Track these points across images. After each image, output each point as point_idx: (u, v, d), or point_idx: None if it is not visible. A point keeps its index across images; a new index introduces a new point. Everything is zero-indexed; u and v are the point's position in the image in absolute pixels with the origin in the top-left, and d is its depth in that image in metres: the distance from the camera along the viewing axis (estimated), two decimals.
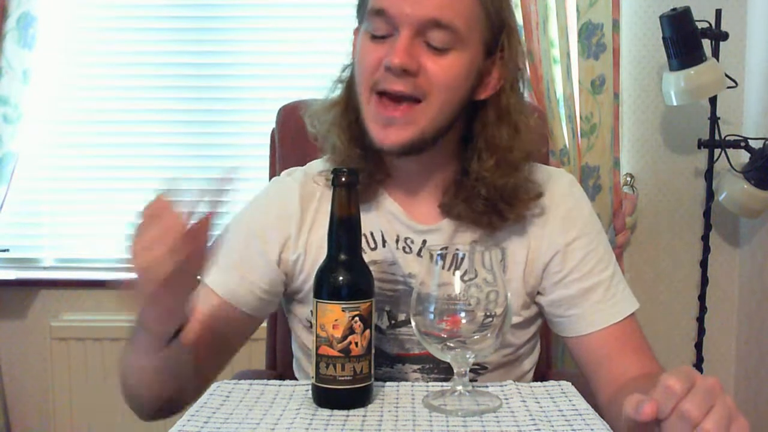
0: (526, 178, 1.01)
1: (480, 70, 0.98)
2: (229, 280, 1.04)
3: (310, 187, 1.07)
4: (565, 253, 1.02)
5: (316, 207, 1.06)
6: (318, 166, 1.10)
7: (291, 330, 1.15)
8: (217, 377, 1.04)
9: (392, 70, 0.92)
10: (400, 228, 1.03)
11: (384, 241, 1.03)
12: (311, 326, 1.06)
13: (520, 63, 1.02)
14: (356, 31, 1.03)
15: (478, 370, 1.05)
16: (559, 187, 1.05)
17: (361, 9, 1.01)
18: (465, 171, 1.01)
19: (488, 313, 0.81)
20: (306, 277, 1.05)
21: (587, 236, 1.03)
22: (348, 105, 1.03)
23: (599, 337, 1.00)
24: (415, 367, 1.04)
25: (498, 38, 0.99)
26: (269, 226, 1.05)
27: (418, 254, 1.03)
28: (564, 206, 1.04)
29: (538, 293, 1.05)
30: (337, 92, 1.06)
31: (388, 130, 0.95)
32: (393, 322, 1.04)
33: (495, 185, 0.98)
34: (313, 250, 1.04)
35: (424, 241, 1.03)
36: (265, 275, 1.05)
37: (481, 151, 0.99)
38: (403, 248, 1.03)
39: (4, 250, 2.25)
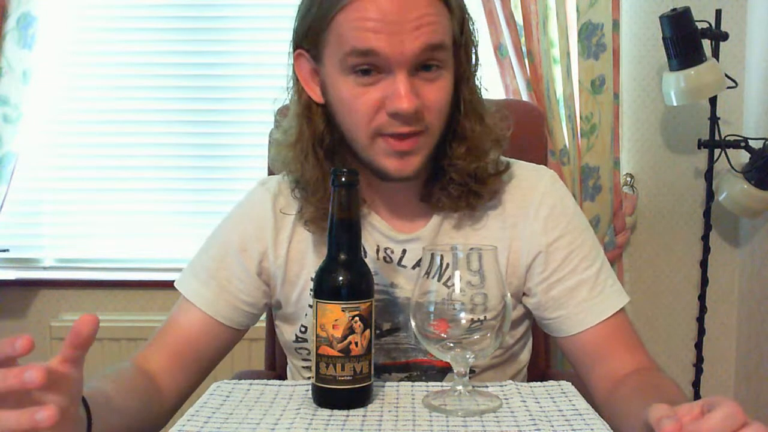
0: (493, 159, 1.01)
1: (455, 71, 0.97)
2: (208, 292, 1.03)
3: (286, 198, 1.05)
4: (547, 253, 1.01)
5: (294, 223, 1.04)
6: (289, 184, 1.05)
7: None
8: (195, 389, 1.03)
9: (401, 117, 0.90)
10: (380, 238, 1.03)
11: (365, 252, 1.02)
12: (296, 340, 1.07)
13: (475, 55, 1.00)
14: (298, 57, 0.98)
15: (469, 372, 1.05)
16: (542, 185, 1.04)
17: (317, 37, 0.94)
18: (438, 161, 1.01)
19: (476, 318, 0.80)
20: (289, 289, 1.04)
21: (570, 234, 1.02)
22: (314, 140, 0.98)
23: (589, 335, 0.99)
24: (402, 375, 1.04)
25: (462, 30, 0.97)
26: (247, 237, 1.04)
27: (399, 263, 1.02)
28: (547, 205, 1.02)
29: (524, 294, 1.04)
30: (294, 126, 1.00)
31: (406, 160, 0.94)
32: (378, 331, 1.02)
33: (467, 170, 0.98)
34: (294, 263, 1.04)
35: (404, 251, 1.02)
36: (245, 286, 1.04)
37: (452, 141, 0.99)
38: (384, 258, 1.02)
39: (4, 250, 2.25)
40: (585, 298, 1.00)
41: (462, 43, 0.97)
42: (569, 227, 1.02)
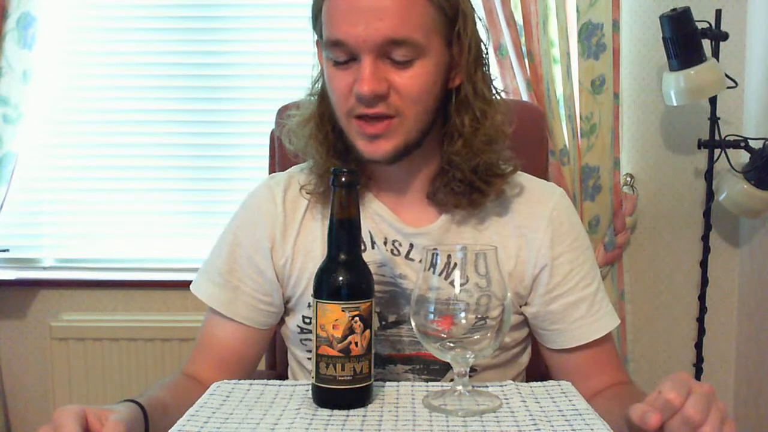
0: (499, 157, 1.02)
1: (447, 63, 0.98)
2: (224, 295, 1.05)
3: (294, 191, 1.07)
4: (552, 267, 1.03)
5: (303, 215, 1.06)
6: (299, 173, 1.10)
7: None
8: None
9: (363, 100, 0.93)
10: (388, 230, 1.04)
11: (373, 243, 1.03)
12: (301, 331, 1.08)
13: (476, 51, 1.00)
14: (318, 43, 1.03)
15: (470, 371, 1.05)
16: (553, 201, 1.06)
17: (317, 24, 1.00)
18: (441, 158, 1.02)
19: (479, 316, 0.81)
20: (295, 283, 1.05)
21: (574, 252, 1.05)
22: (323, 117, 1.03)
23: (580, 351, 1.04)
24: (407, 367, 1.04)
25: (455, 27, 0.98)
26: (256, 236, 1.06)
27: (406, 257, 1.03)
28: (556, 220, 1.05)
29: (525, 303, 1.06)
30: (311, 105, 1.06)
31: (375, 144, 0.96)
32: (384, 323, 1.03)
33: (466, 167, 0.99)
34: (300, 256, 1.05)
35: (411, 245, 1.03)
36: (259, 285, 1.06)
37: (450, 136, 1.00)
38: (391, 251, 1.03)
39: (4, 250, 2.25)
40: (582, 316, 1.04)
41: (454, 37, 0.97)
42: (574, 245, 1.05)
